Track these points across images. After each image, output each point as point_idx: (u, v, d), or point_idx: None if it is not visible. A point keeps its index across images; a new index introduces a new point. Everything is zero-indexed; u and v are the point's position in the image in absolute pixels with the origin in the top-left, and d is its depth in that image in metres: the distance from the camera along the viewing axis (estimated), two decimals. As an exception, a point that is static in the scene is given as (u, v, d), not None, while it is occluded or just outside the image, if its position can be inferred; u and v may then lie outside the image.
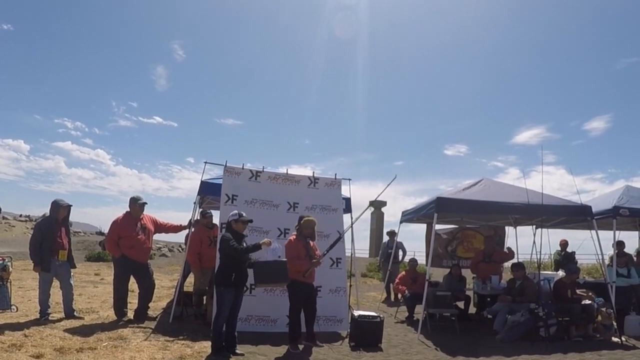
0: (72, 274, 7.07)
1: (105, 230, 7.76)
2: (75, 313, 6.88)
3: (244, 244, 5.42)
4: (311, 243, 6.07)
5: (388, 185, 6.96)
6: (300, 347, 5.87)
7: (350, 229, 6.95)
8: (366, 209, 6.90)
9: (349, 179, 7.98)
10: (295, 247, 5.95)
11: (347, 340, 6.50)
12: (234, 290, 5.35)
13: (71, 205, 7.05)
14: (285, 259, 5.59)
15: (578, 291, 7.64)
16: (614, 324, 7.02)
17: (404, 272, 9.44)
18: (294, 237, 6.12)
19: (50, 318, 6.61)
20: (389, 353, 6.00)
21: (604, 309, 7.13)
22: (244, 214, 5.52)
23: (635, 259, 8.91)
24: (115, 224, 6.98)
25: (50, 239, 6.68)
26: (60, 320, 6.59)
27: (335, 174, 7.83)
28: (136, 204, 7.07)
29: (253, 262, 5.31)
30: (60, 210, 6.90)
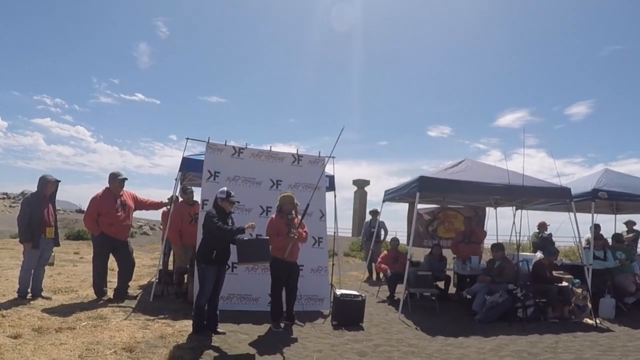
0: (53, 253, 6.88)
1: (85, 207, 7.60)
2: (43, 293, 6.68)
3: (230, 222, 5.38)
4: (296, 219, 6.03)
5: (338, 137, 6.75)
6: (282, 325, 5.89)
7: (311, 198, 6.79)
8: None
9: (333, 157, 7.92)
10: (275, 225, 5.91)
11: (329, 319, 6.55)
12: (216, 268, 5.31)
13: (59, 181, 6.87)
14: (267, 237, 5.55)
15: (555, 273, 7.79)
16: (589, 305, 7.17)
17: (385, 252, 9.50)
18: (275, 215, 6.08)
19: (27, 297, 6.47)
20: (370, 332, 6.06)
21: (579, 290, 7.28)
22: (233, 194, 5.42)
23: (610, 242, 9.08)
24: (94, 201, 6.83)
25: (38, 216, 6.49)
26: (37, 299, 6.46)
27: (319, 152, 7.78)
28: (116, 180, 6.92)
29: (235, 239, 5.25)
30: (48, 186, 6.70)
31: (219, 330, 5.39)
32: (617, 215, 11.09)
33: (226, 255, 5.39)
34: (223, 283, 5.50)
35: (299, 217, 6.10)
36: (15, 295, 6.49)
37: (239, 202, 5.63)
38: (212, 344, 4.99)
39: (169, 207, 7.66)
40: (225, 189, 5.48)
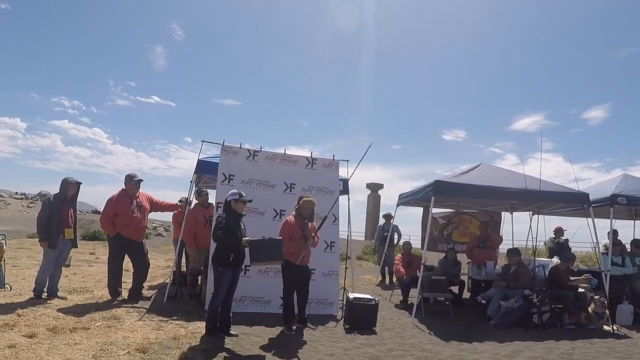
0: (70, 255, 6.98)
1: (101, 208, 7.69)
2: (58, 294, 6.77)
3: (242, 225, 5.39)
4: (309, 224, 6.01)
5: (365, 153, 6.66)
6: (294, 328, 5.88)
7: (331, 210, 6.74)
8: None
9: (347, 160, 7.93)
10: (290, 228, 5.87)
11: (341, 322, 6.52)
12: (232, 271, 5.31)
13: (80, 183, 6.97)
14: (280, 237, 5.52)
15: (572, 278, 7.66)
16: (607, 312, 7.04)
17: (399, 255, 9.44)
18: (292, 217, 6.01)
19: (43, 297, 6.56)
20: (382, 336, 6.01)
21: (597, 297, 7.14)
22: (244, 194, 5.42)
23: (629, 248, 8.91)
24: (110, 202, 6.90)
25: (58, 217, 6.58)
26: (53, 299, 6.54)
27: (334, 155, 7.77)
28: (131, 181, 6.98)
29: (248, 241, 5.25)
30: (69, 188, 6.80)
31: (231, 332, 5.40)
32: (637, 221, 10.88)
33: (242, 257, 5.39)
34: (237, 286, 5.51)
35: (315, 224, 6.09)
36: (32, 294, 6.58)
37: (251, 201, 5.61)
38: (225, 345, 5.00)
39: (181, 209, 7.71)
40: (235, 190, 5.49)
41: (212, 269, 5.42)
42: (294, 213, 6.07)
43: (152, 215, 8.09)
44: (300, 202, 6.04)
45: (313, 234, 5.94)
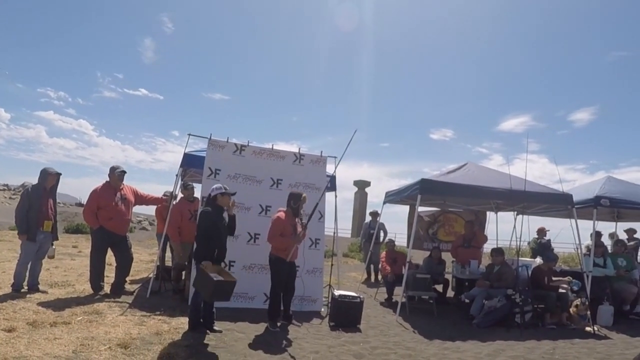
0: (54, 246, 6.86)
1: (85, 201, 7.57)
2: (39, 287, 6.65)
3: (224, 219, 5.34)
4: (296, 219, 6.03)
5: (350, 141, 6.54)
6: (279, 325, 5.86)
7: (317, 207, 6.67)
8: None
9: (335, 157, 7.90)
10: (283, 224, 5.85)
11: (326, 320, 6.52)
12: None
13: (60, 174, 6.82)
14: (233, 281, 5.01)
15: (554, 278, 7.75)
16: (588, 313, 7.13)
17: (384, 253, 9.46)
18: (283, 213, 5.97)
19: (22, 291, 6.44)
20: (367, 334, 6.02)
21: (579, 300, 7.23)
22: (227, 187, 5.37)
23: (611, 248, 9.04)
24: (94, 194, 6.79)
25: (36, 208, 6.45)
26: (34, 293, 6.43)
27: (321, 152, 7.75)
28: (114, 173, 6.88)
29: (199, 270, 4.98)
30: (48, 178, 6.65)
31: (215, 328, 5.36)
32: (619, 223, 11.05)
33: (224, 253, 5.35)
34: None
35: (303, 220, 6.09)
36: (11, 288, 6.45)
37: (234, 193, 5.54)
38: (208, 342, 4.96)
39: (166, 202, 7.63)
40: (219, 184, 5.44)
41: (194, 266, 5.33)
42: (284, 209, 6.04)
43: (137, 209, 7.98)
44: (302, 197, 6.02)
45: (302, 230, 5.93)
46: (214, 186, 5.39)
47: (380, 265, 9.60)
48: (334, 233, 8.43)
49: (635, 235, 10.41)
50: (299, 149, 7.63)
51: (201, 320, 5.31)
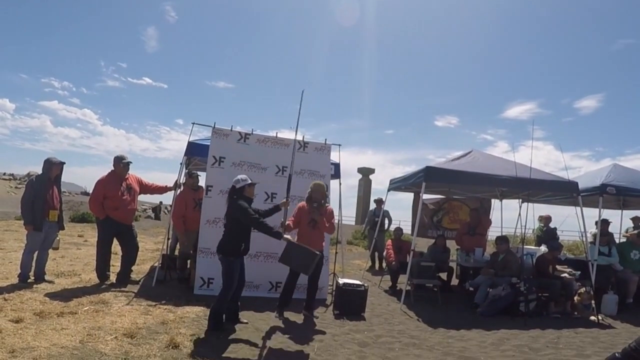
0: (58, 237, 6.85)
1: (90, 190, 7.59)
2: (46, 277, 6.68)
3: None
4: (328, 207, 6.15)
5: (300, 104, 6.31)
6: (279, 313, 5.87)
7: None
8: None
9: (339, 145, 7.93)
10: (301, 213, 5.96)
11: (330, 308, 6.54)
12: (240, 259, 5.16)
13: (64, 163, 6.81)
14: (318, 252, 5.30)
15: (559, 267, 7.73)
16: (592, 302, 7.12)
17: (390, 241, 9.46)
18: (304, 203, 6.07)
19: (29, 281, 6.47)
20: (371, 322, 6.05)
21: (583, 289, 7.20)
22: (249, 178, 5.21)
23: (618, 239, 8.96)
24: (99, 184, 6.80)
25: (42, 198, 6.45)
26: (40, 283, 6.46)
27: (325, 139, 7.74)
28: (120, 163, 6.88)
29: (288, 241, 5.17)
30: (52, 168, 6.65)
31: (242, 320, 5.33)
32: (624, 211, 10.97)
33: (249, 245, 5.20)
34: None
35: (329, 205, 6.18)
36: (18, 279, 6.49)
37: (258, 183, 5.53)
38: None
39: (176, 191, 7.65)
40: (243, 175, 5.23)
41: (222, 260, 5.04)
42: (305, 201, 6.09)
43: (143, 198, 8.01)
44: (311, 186, 6.07)
45: (323, 218, 5.94)
46: (239, 177, 5.15)
47: (385, 253, 9.61)
48: (339, 220, 8.43)
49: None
50: (303, 136, 7.63)
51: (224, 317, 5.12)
